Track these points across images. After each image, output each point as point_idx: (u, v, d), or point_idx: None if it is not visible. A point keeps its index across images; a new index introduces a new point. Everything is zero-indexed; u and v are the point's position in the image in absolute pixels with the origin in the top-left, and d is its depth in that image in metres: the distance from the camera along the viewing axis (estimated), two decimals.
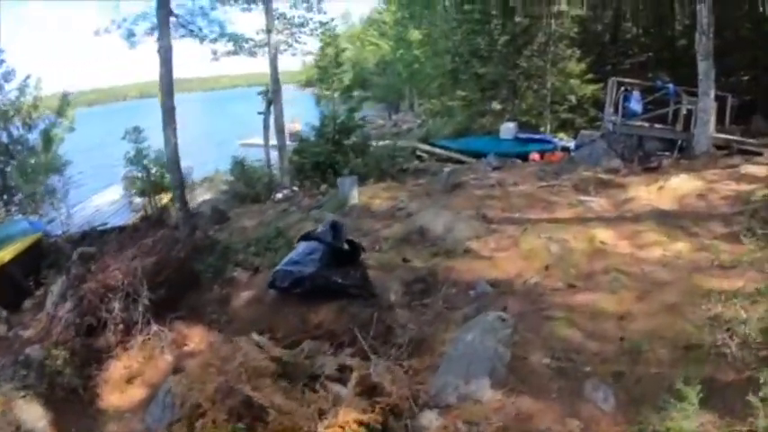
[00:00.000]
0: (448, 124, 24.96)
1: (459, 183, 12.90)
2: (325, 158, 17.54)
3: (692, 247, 7.82)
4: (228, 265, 9.93)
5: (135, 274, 8.28)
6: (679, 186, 10.59)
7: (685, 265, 7.26)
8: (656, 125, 15.38)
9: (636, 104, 15.64)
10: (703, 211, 9.30)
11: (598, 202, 10.04)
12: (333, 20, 18.91)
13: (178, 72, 10.98)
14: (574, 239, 8.03)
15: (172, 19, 12.78)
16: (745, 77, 19.71)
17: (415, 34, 36.38)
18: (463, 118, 24.42)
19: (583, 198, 10.29)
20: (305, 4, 19.13)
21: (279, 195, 17.41)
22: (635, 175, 12.90)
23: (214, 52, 21.72)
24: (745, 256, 7.29)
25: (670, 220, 8.92)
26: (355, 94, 17.81)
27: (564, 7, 25.31)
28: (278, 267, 8.29)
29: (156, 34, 11.62)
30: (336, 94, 17.07)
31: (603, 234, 8.35)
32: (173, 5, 12.35)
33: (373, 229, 10.69)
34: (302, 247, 8.31)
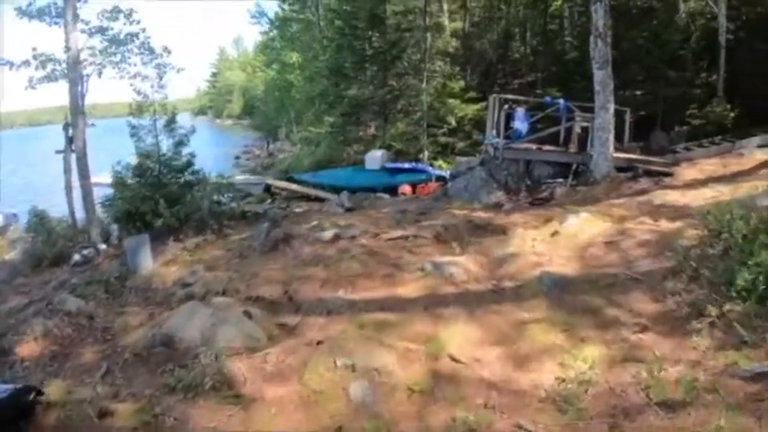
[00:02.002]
0: (315, 154, 21.22)
1: (285, 237, 9.12)
2: (135, 207, 13.17)
3: (608, 355, 4.36)
4: None
5: None
6: (580, 229, 7.33)
7: (601, 404, 3.75)
8: (546, 147, 12.44)
9: (521, 123, 12.67)
10: (618, 270, 5.97)
11: (464, 266, 6.52)
12: (144, 30, 14.57)
13: None
14: (400, 361, 4.34)
15: None
16: (640, 91, 17.49)
17: (293, 57, 32.96)
18: (326, 147, 20.83)
19: (441, 260, 6.73)
20: (107, 14, 14.72)
21: (77, 257, 12.91)
22: (521, 212, 9.71)
23: (30, 80, 16.91)
24: (700, 373, 3.93)
25: (571, 295, 5.50)
26: (180, 124, 13.38)
27: (444, 20, 22.73)
28: None
29: None
30: (161, 124, 12.77)
31: (459, 336, 4.76)
32: None
33: (126, 327, 6.75)
34: None
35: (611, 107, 11.20)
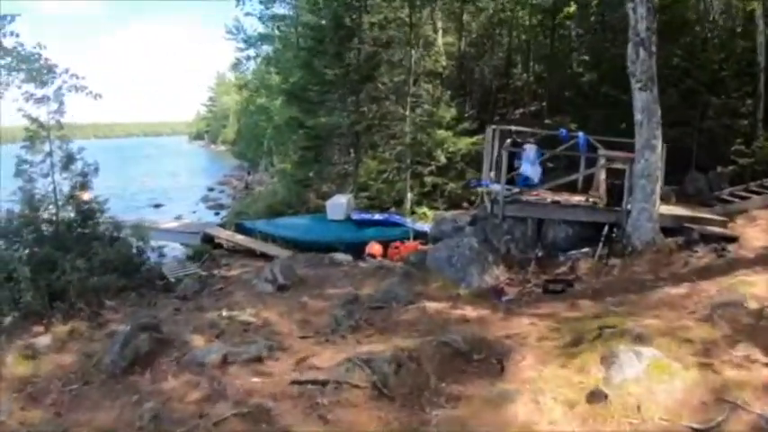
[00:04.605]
0: (275, 195, 17.62)
1: (151, 352, 5.69)
2: (12, 270, 9.93)
3: None
4: None
5: None
6: (646, 390, 3.83)
7: None
8: (565, 197, 9.04)
9: (531, 166, 9.25)
10: None
11: None
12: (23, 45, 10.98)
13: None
14: None
15: None
16: (671, 121, 14.13)
17: (276, 78, 29.88)
18: (284, 188, 17.25)
19: None
20: None
21: None
22: (531, 310, 6.25)
23: None
24: None
25: None
26: (85, 161, 9.86)
27: (435, 36, 19.48)
28: None
29: None
30: (56, 160, 9.46)
31: None
32: None
33: None
34: None
35: (659, 145, 7.86)
